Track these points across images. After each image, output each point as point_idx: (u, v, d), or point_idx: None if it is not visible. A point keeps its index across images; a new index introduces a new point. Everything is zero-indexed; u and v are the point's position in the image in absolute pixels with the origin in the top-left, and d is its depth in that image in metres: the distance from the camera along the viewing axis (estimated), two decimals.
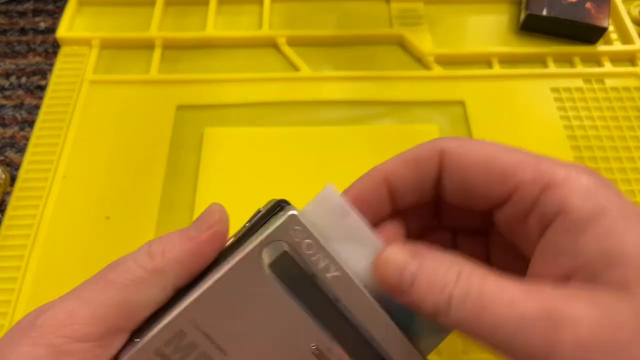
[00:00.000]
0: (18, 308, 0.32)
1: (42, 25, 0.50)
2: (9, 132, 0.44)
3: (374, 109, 0.41)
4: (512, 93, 0.42)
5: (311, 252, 0.19)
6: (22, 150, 0.42)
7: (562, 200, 0.18)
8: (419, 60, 0.44)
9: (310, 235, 0.19)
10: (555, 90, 0.42)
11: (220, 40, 0.44)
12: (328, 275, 0.19)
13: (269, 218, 0.19)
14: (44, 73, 0.47)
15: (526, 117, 0.40)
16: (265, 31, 0.44)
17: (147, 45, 0.44)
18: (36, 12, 0.51)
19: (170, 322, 0.18)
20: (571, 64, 0.44)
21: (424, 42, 0.44)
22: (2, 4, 0.51)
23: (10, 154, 0.43)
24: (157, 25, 0.45)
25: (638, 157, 0.38)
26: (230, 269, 0.18)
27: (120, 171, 0.38)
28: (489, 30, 0.46)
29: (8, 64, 0.47)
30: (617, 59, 0.44)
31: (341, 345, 0.19)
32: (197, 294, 0.18)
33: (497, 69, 0.43)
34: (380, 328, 0.19)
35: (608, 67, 0.43)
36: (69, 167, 0.38)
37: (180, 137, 0.39)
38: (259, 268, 0.18)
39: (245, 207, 0.22)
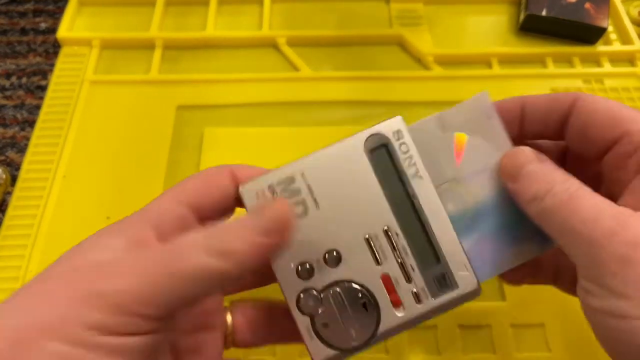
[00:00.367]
0: None
1: (43, 25, 0.50)
2: (10, 132, 0.44)
3: (374, 109, 0.41)
4: (512, 93, 0.41)
5: (405, 154, 0.24)
6: (22, 150, 0.42)
7: None
8: (419, 61, 0.44)
9: (408, 140, 0.24)
10: (554, 90, 0.42)
11: (221, 41, 0.44)
12: (413, 174, 0.24)
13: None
14: (44, 73, 0.47)
15: None
16: (265, 31, 0.44)
17: (148, 46, 0.44)
18: (37, 13, 0.51)
19: (287, 168, 0.24)
20: (570, 64, 0.44)
21: (424, 43, 0.44)
22: (3, 4, 0.51)
23: (11, 154, 0.43)
24: (158, 26, 0.45)
25: None
26: (340, 145, 0.24)
27: (121, 171, 0.38)
28: (488, 30, 0.46)
29: (9, 64, 0.47)
30: (617, 59, 0.44)
31: (406, 235, 0.23)
32: (311, 155, 0.24)
33: (496, 69, 0.43)
34: (442, 229, 0.23)
35: (607, 67, 0.43)
36: (69, 167, 0.38)
37: (181, 137, 0.39)
38: (360, 150, 0.24)
39: None
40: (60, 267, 0.20)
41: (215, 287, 0.20)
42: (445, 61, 0.44)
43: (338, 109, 0.41)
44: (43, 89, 0.45)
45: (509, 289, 0.33)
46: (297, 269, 0.23)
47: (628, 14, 0.46)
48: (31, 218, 0.36)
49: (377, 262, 0.23)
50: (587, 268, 0.21)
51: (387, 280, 0.23)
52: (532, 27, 0.45)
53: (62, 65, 0.43)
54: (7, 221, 0.36)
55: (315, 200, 0.23)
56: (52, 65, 0.43)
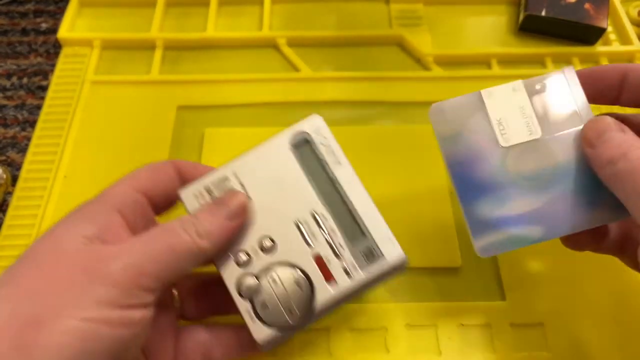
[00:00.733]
0: None
1: (44, 25, 0.50)
2: (11, 132, 0.44)
3: (374, 109, 0.41)
4: None
5: (326, 146, 0.27)
6: (23, 150, 0.42)
7: None
8: (419, 61, 0.44)
9: (327, 134, 0.27)
10: None
11: (221, 41, 0.44)
12: (334, 162, 0.26)
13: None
14: (45, 73, 0.47)
15: None
16: (265, 32, 0.45)
17: (148, 46, 0.44)
18: (37, 13, 0.51)
19: (220, 169, 0.27)
20: (570, 64, 0.44)
21: (424, 43, 0.44)
22: (3, 4, 0.51)
23: (12, 154, 0.43)
24: (158, 26, 0.45)
25: None
26: (267, 144, 0.27)
27: (121, 171, 0.37)
28: (488, 31, 0.46)
29: (9, 65, 0.48)
30: (616, 59, 0.44)
31: (333, 217, 0.26)
32: (242, 156, 0.27)
33: (496, 70, 0.43)
34: (366, 208, 0.26)
35: None
36: (70, 167, 0.38)
37: (181, 138, 0.40)
38: (285, 147, 0.27)
39: None
40: (49, 252, 0.21)
41: (197, 263, 0.24)
42: (445, 61, 0.44)
43: (338, 109, 0.41)
44: (44, 89, 0.45)
45: (509, 289, 0.33)
46: (235, 257, 0.26)
47: (627, 14, 0.46)
48: (32, 218, 0.36)
49: (308, 244, 0.26)
50: None
51: (319, 259, 0.26)
52: (531, 27, 0.45)
53: (63, 65, 0.43)
54: (7, 221, 0.36)
55: (247, 195, 0.26)
56: (53, 65, 0.44)
